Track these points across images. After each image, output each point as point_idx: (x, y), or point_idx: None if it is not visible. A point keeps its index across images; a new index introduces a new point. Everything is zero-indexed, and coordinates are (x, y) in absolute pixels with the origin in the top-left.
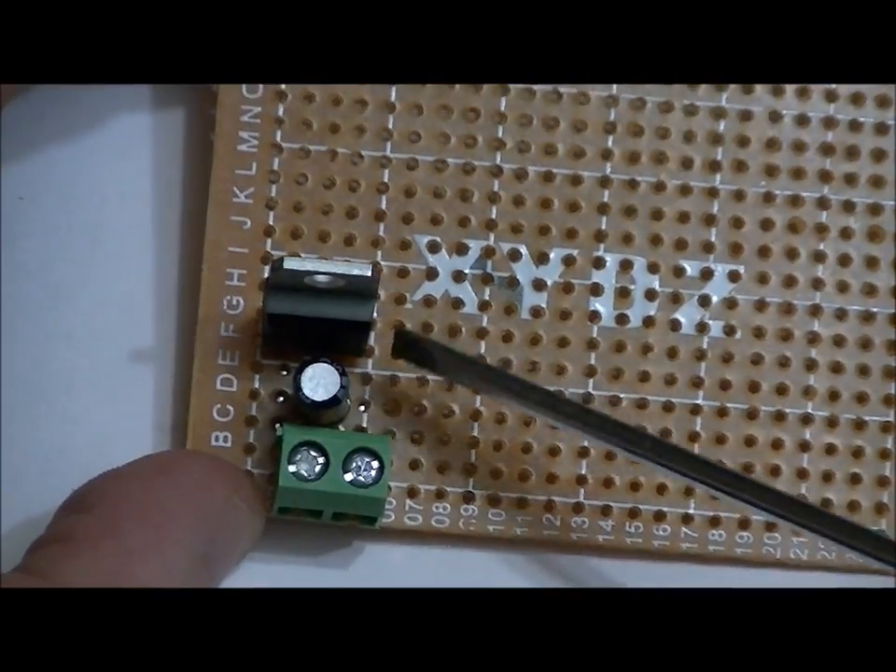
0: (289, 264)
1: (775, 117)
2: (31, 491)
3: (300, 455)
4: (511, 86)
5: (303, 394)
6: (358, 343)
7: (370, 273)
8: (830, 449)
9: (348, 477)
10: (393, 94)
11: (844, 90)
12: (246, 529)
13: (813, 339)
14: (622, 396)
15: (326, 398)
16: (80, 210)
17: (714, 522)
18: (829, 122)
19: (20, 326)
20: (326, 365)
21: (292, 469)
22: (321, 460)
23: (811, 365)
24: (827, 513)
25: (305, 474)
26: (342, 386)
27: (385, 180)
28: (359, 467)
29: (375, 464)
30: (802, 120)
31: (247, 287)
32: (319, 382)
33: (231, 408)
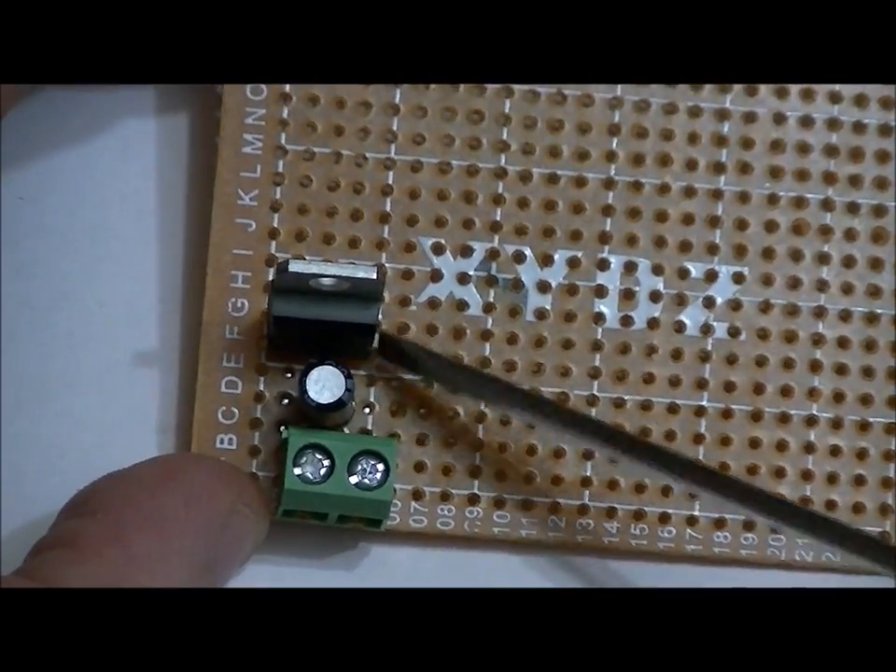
0: (294, 267)
1: (779, 118)
2: (32, 492)
3: (305, 458)
4: (516, 88)
5: (308, 397)
6: (363, 346)
7: (375, 276)
8: (834, 451)
9: (353, 480)
10: (397, 97)
11: (847, 91)
12: (251, 534)
13: (817, 340)
14: (626, 398)
15: (331, 400)
16: (83, 211)
17: (719, 524)
18: (833, 124)
19: (22, 326)
20: (331, 368)
21: (297, 471)
22: (326, 463)
23: (815, 366)
24: (816, 514)
25: (311, 477)
26: (347, 389)
27: (390, 182)
28: (365, 469)
29: (381, 466)
30: (806, 122)
31: (252, 289)
32: (325, 385)
33: (236, 410)
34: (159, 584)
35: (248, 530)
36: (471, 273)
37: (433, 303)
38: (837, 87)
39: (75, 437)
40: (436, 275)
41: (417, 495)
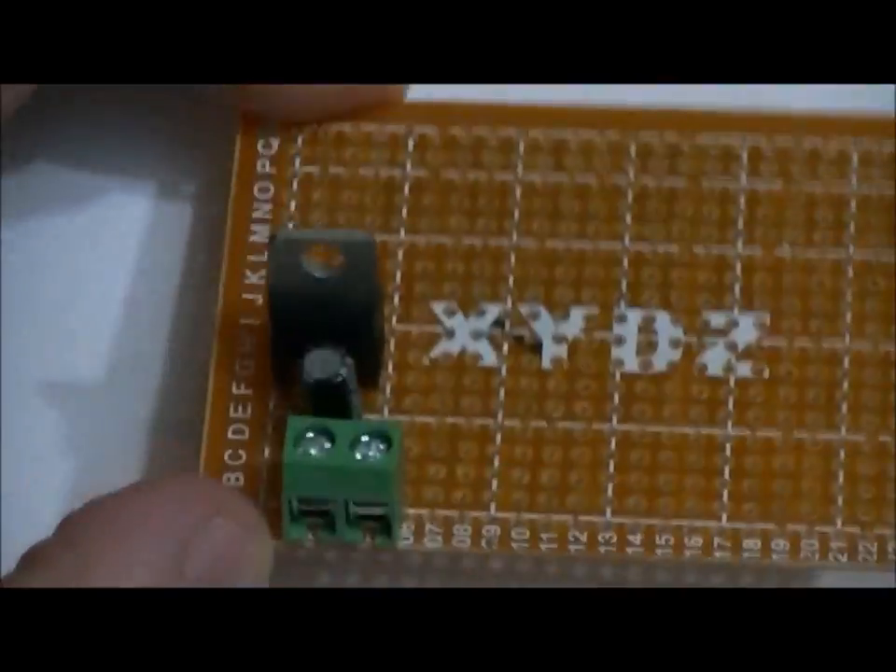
0: (285, 235)
1: (787, 177)
2: (32, 492)
3: (306, 440)
4: (522, 147)
5: (306, 373)
6: (369, 333)
7: (365, 238)
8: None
9: (357, 456)
10: (407, 168)
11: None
12: (241, 551)
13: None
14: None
15: (327, 375)
16: (83, 212)
17: (748, 532)
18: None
19: (21, 326)
20: (328, 350)
21: (299, 451)
22: (328, 445)
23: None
24: None
25: (312, 453)
26: (344, 366)
27: (399, 258)
28: (368, 446)
29: (384, 446)
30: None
31: (259, 345)
32: (321, 365)
33: (245, 428)
34: (114, 575)
35: (234, 545)
36: (485, 328)
37: (447, 355)
38: (851, 144)
39: (75, 437)
40: (449, 334)
41: (432, 515)
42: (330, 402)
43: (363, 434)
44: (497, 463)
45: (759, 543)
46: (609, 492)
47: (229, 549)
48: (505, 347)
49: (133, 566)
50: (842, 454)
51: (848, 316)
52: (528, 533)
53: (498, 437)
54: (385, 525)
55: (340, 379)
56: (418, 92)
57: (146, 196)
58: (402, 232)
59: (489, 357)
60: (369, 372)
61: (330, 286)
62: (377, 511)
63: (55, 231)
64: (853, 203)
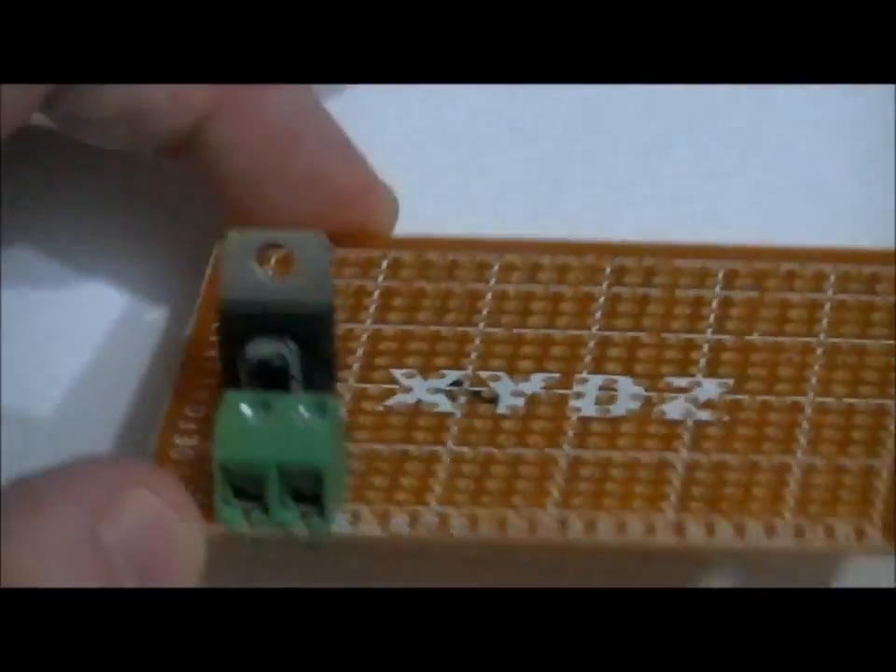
0: (236, 234)
1: (763, 289)
2: None
3: (242, 412)
4: (499, 276)
5: (249, 356)
6: (325, 343)
7: (317, 236)
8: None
9: (295, 420)
10: (378, 287)
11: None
12: (166, 526)
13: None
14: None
15: (269, 355)
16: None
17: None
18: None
19: (20, 326)
20: (269, 338)
21: (234, 417)
22: (267, 418)
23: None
24: None
25: (247, 416)
26: (288, 348)
27: (363, 339)
28: (306, 416)
29: (323, 414)
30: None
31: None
32: (262, 346)
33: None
34: (31, 555)
35: (161, 521)
36: (443, 387)
37: (403, 404)
38: (830, 267)
39: (74, 437)
40: (406, 390)
41: (371, 509)
42: (273, 387)
43: (301, 405)
44: (442, 476)
45: (702, 529)
46: (556, 493)
47: (152, 522)
48: (462, 399)
49: (47, 532)
50: (797, 471)
51: (814, 380)
52: (468, 522)
53: (447, 458)
54: (319, 508)
55: (282, 361)
56: (402, 228)
57: (125, 288)
58: (368, 322)
59: (445, 406)
60: (321, 376)
61: (283, 291)
62: (312, 487)
63: (44, 305)
64: (827, 306)
